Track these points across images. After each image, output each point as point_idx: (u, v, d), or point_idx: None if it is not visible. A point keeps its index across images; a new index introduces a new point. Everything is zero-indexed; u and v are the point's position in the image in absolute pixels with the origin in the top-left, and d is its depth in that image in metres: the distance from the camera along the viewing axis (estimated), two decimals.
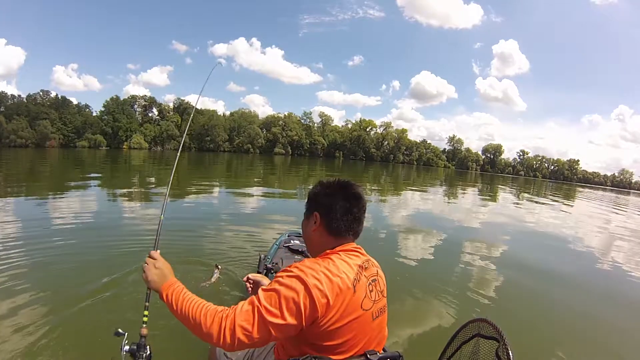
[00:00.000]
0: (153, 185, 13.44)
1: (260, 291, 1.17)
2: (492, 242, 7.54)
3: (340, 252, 1.32)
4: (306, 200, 1.50)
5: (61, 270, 3.92)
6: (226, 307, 1.15)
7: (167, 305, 1.24)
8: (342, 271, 1.22)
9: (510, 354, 1.19)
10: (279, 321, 1.11)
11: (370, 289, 1.30)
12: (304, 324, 1.14)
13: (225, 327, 1.10)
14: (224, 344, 1.10)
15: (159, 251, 1.42)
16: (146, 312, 1.42)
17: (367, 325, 1.27)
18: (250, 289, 1.81)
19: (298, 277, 1.15)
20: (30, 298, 3.18)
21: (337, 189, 1.43)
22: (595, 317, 4.22)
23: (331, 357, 1.23)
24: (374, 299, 1.30)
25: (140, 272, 1.36)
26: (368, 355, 1.28)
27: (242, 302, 1.16)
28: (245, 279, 1.86)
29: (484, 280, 4.90)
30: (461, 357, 1.47)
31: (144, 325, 1.38)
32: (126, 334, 1.37)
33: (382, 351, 1.38)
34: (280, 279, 1.18)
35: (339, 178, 1.50)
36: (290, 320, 1.11)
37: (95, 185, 12.49)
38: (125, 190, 11.47)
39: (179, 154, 2.34)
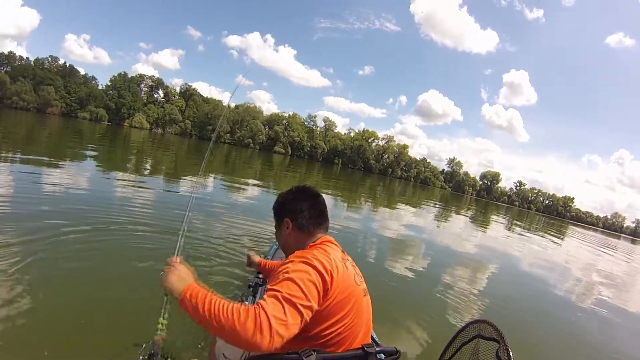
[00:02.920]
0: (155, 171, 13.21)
1: (269, 287, 1.17)
2: (491, 257, 8.02)
3: (322, 243, 1.43)
4: (273, 214, 1.65)
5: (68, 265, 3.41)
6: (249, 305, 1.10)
7: (190, 308, 1.13)
8: (330, 253, 1.35)
9: (511, 355, 1.20)
10: (306, 302, 1.13)
11: (355, 271, 1.42)
12: (321, 300, 1.20)
13: (261, 321, 1.04)
14: (260, 339, 1.03)
15: (180, 257, 1.35)
16: (162, 320, 1.35)
17: (360, 300, 1.36)
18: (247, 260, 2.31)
19: (302, 261, 1.24)
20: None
21: (298, 194, 1.60)
22: (589, 323, 4.61)
23: (329, 349, 1.28)
24: (360, 279, 1.42)
25: (155, 277, 1.31)
26: (365, 349, 1.31)
27: (261, 300, 1.11)
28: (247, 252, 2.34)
29: (483, 286, 5.08)
30: (461, 358, 1.48)
31: (159, 333, 1.35)
32: (144, 345, 1.39)
33: (370, 339, 1.45)
34: (287, 268, 1.22)
35: (295, 186, 1.66)
36: (313, 299, 1.15)
37: (91, 164, 12.18)
38: (128, 174, 11.12)
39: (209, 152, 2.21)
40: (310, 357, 1.20)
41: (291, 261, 1.26)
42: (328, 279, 1.22)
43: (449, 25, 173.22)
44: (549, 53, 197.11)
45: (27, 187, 6.02)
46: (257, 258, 2.30)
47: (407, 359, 2.78)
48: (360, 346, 1.33)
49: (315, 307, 1.16)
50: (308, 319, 1.14)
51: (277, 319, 1.06)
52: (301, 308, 1.11)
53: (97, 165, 11.11)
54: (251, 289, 2.46)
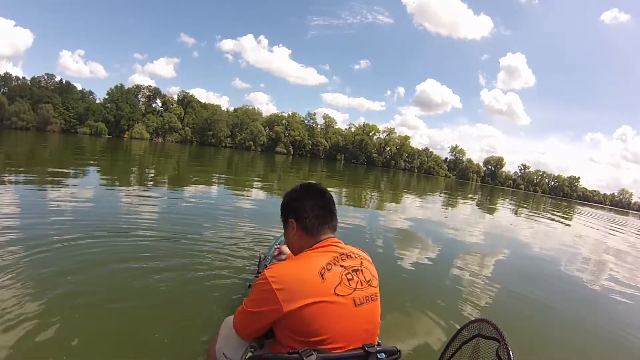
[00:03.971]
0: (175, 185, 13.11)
1: None
2: (493, 249, 7.59)
3: (316, 249, 1.45)
4: (280, 214, 1.63)
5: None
6: None
7: None
8: (307, 263, 1.38)
9: (511, 354, 1.20)
10: (249, 308, 1.40)
11: (350, 277, 1.37)
12: (268, 315, 1.34)
13: (235, 317, 1.52)
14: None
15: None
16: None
17: (347, 311, 1.33)
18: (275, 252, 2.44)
19: (264, 275, 1.36)
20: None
21: (301, 192, 1.60)
22: (593, 320, 4.33)
23: (328, 348, 1.29)
24: (355, 287, 1.36)
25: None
26: (366, 348, 1.33)
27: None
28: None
29: (484, 283, 4.90)
30: (461, 358, 1.48)
31: None
32: None
33: (376, 341, 1.44)
34: (256, 282, 1.42)
35: (299, 183, 1.64)
36: (255, 309, 1.38)
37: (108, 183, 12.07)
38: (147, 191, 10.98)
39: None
40: (311, 357, 1.23)
41: (263, 272, 1.39)
42: (280, 298, 1.29)
43: (442, 13, 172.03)
44: (545, 34, 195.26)
45: (44, 204, 6.09)
46: (287, 250, 2.37)
47: (407, 357, 2.67)
48: (361, 345, 1.34)
49: (256, 311, 1.37)
50: (254, 322, 1.40)
51: (237, 314, 1.50)
52: (246, 314, 1.43)
53: (103, 179, 11.05)
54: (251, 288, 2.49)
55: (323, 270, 1.33)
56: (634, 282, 6.61)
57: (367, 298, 1.38)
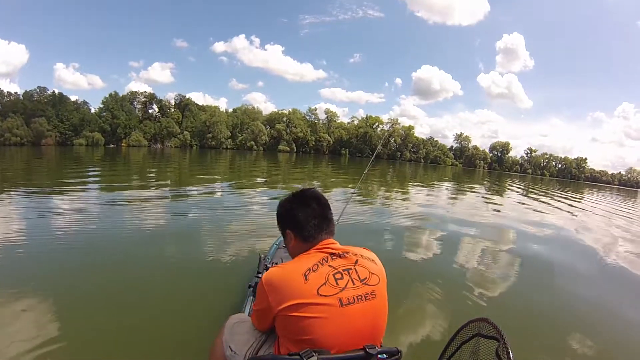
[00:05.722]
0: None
1: None
2: (495, 242, 7.26)
3: (309, 252, 1.45)
4: (277, 222, 1.67)
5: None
6: None
7: None
8: (295, 266, 1.40)
9: (510, 353, 1.21)
10: (254, 306, 1.52)
11: (339, 277, 1.35)
12: (266, 312, 1.41)
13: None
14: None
15: None
16: None
17: (332, 311, 1.30)
18: None
19: (262, 276, 1.45)
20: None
21: (294, 202, 1.60)
22: (597, 317, 4.11)
23: (321, 348, 1.30)
24: (343, 286, 1.34)
25: None
26: (367, 349, 1.31)
27: None
28: None
29: (485, 280, 4.80)
30: (461, 357, 1.49)
31: None
32: None
33: (380, 342, 1.43)
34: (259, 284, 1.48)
35: (292, 192, 1.64)
36: (257, 307, 1.47)
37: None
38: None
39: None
40: (312, 358, 1.24)
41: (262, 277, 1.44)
42: (269, 295, 1.36)
43: (435, 0, 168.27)
44: (542, 13, 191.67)
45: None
46: None
47: (407, 357, 2.53)
48: (362, 346, 1.33)
49: (259, 308, 1.45)
50: (260, 318, 1.49)
51: (252, 314, 1.59)
52: (257, 315, 1.51)
53: (102, 187, 11.06)
54: (251, 288, 2.47)
55: (308, 271, 1.34)
56: None
57: (358, 297, 1.35)
